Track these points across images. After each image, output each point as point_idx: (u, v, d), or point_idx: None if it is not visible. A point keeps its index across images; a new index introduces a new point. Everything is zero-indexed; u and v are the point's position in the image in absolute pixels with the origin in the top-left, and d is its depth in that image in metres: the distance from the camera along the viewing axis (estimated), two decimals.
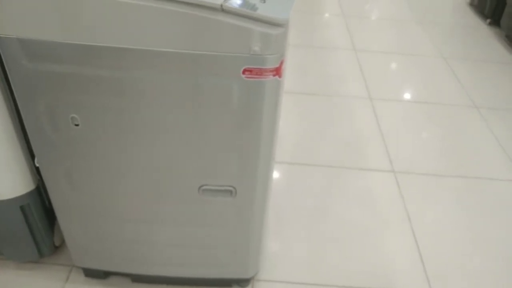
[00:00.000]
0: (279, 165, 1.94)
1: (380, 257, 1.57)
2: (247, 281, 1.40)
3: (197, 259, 1.30)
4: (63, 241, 1.40)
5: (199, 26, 0.85)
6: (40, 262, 1.42)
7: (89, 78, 0.93)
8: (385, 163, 2.00)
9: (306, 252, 1.56)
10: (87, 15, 0.85)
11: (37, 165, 1.14)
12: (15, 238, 1.30)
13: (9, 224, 1.26)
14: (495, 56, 3.02)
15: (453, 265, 1.56)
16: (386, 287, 1.47)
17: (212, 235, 1.23)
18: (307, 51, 2.91)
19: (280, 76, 0.94)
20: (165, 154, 1.05)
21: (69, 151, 1.05)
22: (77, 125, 1.00)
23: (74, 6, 0.84)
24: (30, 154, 1.17)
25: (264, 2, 0.90)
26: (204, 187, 1.10)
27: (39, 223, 1.29)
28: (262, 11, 0.86)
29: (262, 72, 0.91)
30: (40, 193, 1.26)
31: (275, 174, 1.89)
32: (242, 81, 0.92)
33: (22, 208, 1.23)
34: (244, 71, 0.90)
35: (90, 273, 1.38)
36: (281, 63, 0.92)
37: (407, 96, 2.55)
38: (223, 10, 0.84)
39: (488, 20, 3.42)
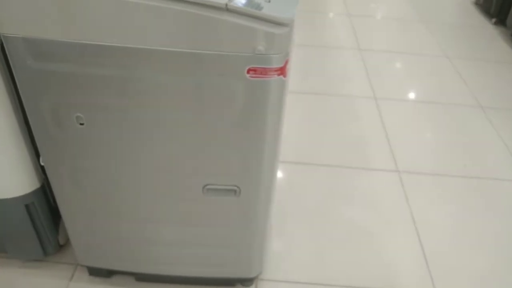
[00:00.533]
0: (283, 164, 1.94)
1: (384, 258, 1.56)
2: (250, 280, 1.40)
3: (200, 259, 1.30)
4: (67, 240, 1.40)
5: (204, 25, 0.85)
6: (44, 260, 1.43)
7: (94, 77, 0.93)
8: (389, 163, 1.99)
9: (310, 252, 1.56)
10: (92, 15, 0.85)
11: (42, 164, 1.14)
12: (20, 236, 1.31)
13: (14, 222, 1.27)
14: (500, 55, 3.00)
15: (457, 266, 1.56)
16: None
17: (216, 234, 1.23)
18: (311, 50, 2.90)
19: (284, 76, 0.94)
20: (169, 154, 1.05)
21: (74, 150, 1.06)
22: (82, 124, 1.00)
23: (79, 5, 0.84)
24: (35, 153, 1.17)
25: (269, 1, 0.89)
26: (208, 187, 1.10)
27: (43, 221, 1.30)
28: (267, 10, 0.86)
29: (266, 71, 0.91)
30: (45, 191, 1.27)
31: (279, 174, 1.89)
32: (247, 81, 0.92)
33: (27, 207, 1.24)
34: (248, 71, 0.90)
35: (95, 272, 1.39)
36: (286, 62, 0.92)
37: (411, 95, 2.54)
38: (228, 9, 0.84)
39: (494, 20, 3.40)
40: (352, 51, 2.93)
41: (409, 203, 1.79)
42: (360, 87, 2.54)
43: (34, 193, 1.23)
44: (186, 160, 1.06)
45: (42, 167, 1.17)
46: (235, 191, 1.11)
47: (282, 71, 0.92)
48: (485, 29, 3.37)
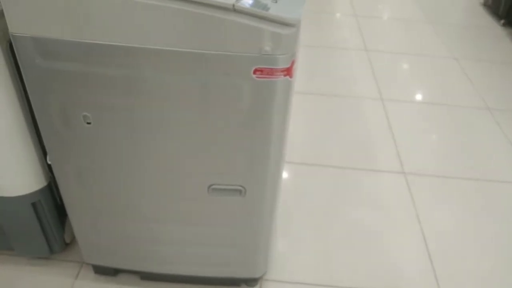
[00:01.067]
0: (289, 165, 1.94)
1: (389, 259, 1.56)
2: (255, 280, 1.40)
3: (205, 258, 1.30)
4: (73, 238, 1.41)
5: (211, 25, 0.85)
6: (50, 258, 1.44)
7: (102, 76, 0.93)
8: (395, 164, 1.99)
9: (315, 253, 1.56)
10: (99, 14, 0.85)
11: (49, 162, 1.15)
12: (27, 234, 1.32)
13: (20, 220, 1.28)
14: (508, 57, 2.98)
15: (462, 268, 1.55)
16: None
17: (221, 234, 1.23)
18: (318, 51, 2.90)
19: (291, 76, 0.94)
20: (175, 153, 1.05)
21: (80, 149, 1.06)
22: (89, 123, 1.01)
23: (86, 5, 0.85)
24: (42, 151, 1.18)
25: (276, 2, 0.89)
26: (214, 187, 1.10)
27: (50, 219, 1.31)
28: (274, 11, 0.86)
29: (273, 72, 0.91)
30: (52, 190, 1.28)
31: (285, 174, 1.89)
32: (253, 81, 0.92)
33: (33, 205, 1.25)
34: (255, 71, 0.90)
35: (100, 270, 1.39)
36: (292, 63, 0.92)
37: (418, 97, 2.53)
38: (235, 10, 0.84)
39: (502, 21, 3.38)
40: (359, 52, 2.92)
41: (414, 205, 1.78)
42: (366, 88, 2.53)
43: (40, 191, 1.24)
44: (192, 159, 1.06)
45: (49, 166, 1.18)
46: (240, 191, 1.11)
47: (288, 71, 0.92)
48: (494, 30, 3.35)
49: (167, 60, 0.90)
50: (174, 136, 1.02)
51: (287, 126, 1.06)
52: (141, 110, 0.98)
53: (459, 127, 2.28)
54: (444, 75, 2.74)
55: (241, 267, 1.33)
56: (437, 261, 1.56)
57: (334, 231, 1.65)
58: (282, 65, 0.90)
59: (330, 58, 2.83)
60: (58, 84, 0.95)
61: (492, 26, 3.40)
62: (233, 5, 0.84)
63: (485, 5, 3.68)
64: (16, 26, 0.88)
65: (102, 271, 1.39)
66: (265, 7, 0.86)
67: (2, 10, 0.88)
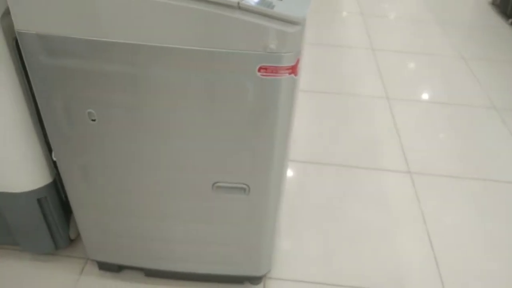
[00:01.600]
0: (293, 163, 1.93)
1: (393, 259, 1.55)
2: (259, 279, 1.40)
3: (209, 256, 1.30)
4: (78, 234, 1.42)
5: (216, 23, 0.85)
6: (55, 254, 1.45)
7: (106, 73, 0.94)
8: (401, 163, 1.98)
9: (319, 252, 1.55)
10: (104, 12, 0.86)
11: (54, 159, 1.16)
12: (32, 230, 1.32)
13: (26, 216, 1.28)
14: None
15: (468, 269, 1.54)
16: None
17: (225, 232, 1.23)
18: (324, 49, 2.89)
19: (296, 75, 0.94)
20: (179, 151, 1.05)
21: (85, 146, 1.07)
22: (93, 120, 1.01)
23: (92, 2, 0.85)
24: (48, 148, 1.18)
25: (281, 0, 0.89)
26: (218, 184, 1.10)
27: (55, 216, 1.32)
28: (279, 9, 0.86)
29: (277, 70, 0.90)
30: (57, 186, 1.28)
31: (289, 173, 1.89)
32: (258, 79, 0.91)
33: (39, 201, 1.26)
34: (259, 69, 0.90)
35: (104, 266, 1.40)
36: (297, 61, 0.92)
37: (425, 96, 2.52)
38: (239, 7, 0.84)
39: (510, 20, 3.35)
40: (365, 50, 2.91)
41: (420, 205, 1.77)
42: (372, 87, 2.52)
43: (46, 187, 1.24)
44: (196, 157, 1.06)
45: (54, 162, 1.19)
46: (244, 189, 1.11)
47: (293, 69, 0.92)
48: (502, 29, 3.32)
49: (172, 57, 0.90)
50: (178, 134, 1.02)
51: (291, 125, 1.06)
52: (145, 107, 0.98)
53: (465, 126, 2.26)
54: (451, 74, 2.72)
55: (245, 265, 1.33)
56: (442, 261, 1.55)
57: (338, 230, 1.64)
58: (287, 63, 0.90)
59: (336, 57, 2.82)
60: (63, 81, 0.95)
61: (500, 25, 3.37)
62: (238, 3, 0.84)
63: (493, 4, 3.65)
64: (21, 23, 0.88)
65: (107, 267, 1.40)
66: (270, 5, 0.86)
67: (8, 8, 0.88)
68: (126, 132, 1.03)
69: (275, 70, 0.90)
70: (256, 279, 1.40)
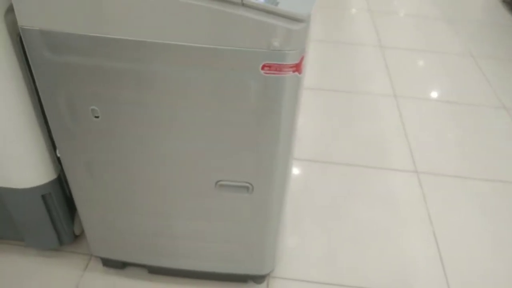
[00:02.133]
0: (299, 162, 1.92)
1: (399, 260, 1.54)
2: (262, 277, 1.39)
3: (213, 254, 1.30)
4: (83, 230, 1.42)
5: (219, 20, 0.84)
6: (60, 250, 1.45)
7: (110, 70, 0.93)
8: (408, 163, 1.96)
9: (323, 251, 1.54)
10: (108, 8, 0.85)
11: (58, 155, 1.16)
12: (36, 226, 1.33)
13: (30, 212, 1.29)
14: None
15: (474, 270, 1.52)
16: None
17: (228, 230, 1.22)
18: (331, 46, 2.87)
19: (300, 73, 0.92)
20: (182, 148, 1.05)
21: (89, 143, 1.06)
22: (97, 117, 1.01)
23: None
24: (52, 144, 1.18)
25: None
26: (221, 183, 1.09)
27: (60, 212, 1.32)
28: (283, 5, 0.84)
29: (281, 68, 0.89)
30: (61, 182, 1.29)
31: (294, 171, 1.88)
32: (261, 77, 0.90)
33: (43, 197, 1.26)
34: (263, 67, 0.89)
35: (108, 263, 1.40)
36: (302, 59, 0.91)
37: (433, 95, 2.49)
38: (243, 4, 0.83)
39: None
40: (373, 48, 2.88)
41: (427, 205, 1.75)
42: (380, 85, 2.50)
43: (50, 183, 1.25)
44: (199, 155, 1.05)
45: (59, 158, 1.19)
46: (247, 188, 1.10)
47: (297, 67, 0.91)
48: None
49: (175, 54, 0.89)
50: (181, 131, 1.01)
51: (295, 123, 1.04)
52: (148, 105, 0.98)
53: (474, 126, 2.23)
54: (461, 73, 2.68)
55: (248, 263, 1.32)
56: (449, 263, 1.54)
57: (343, 230, 1.63)
58: (291, 61, 0.89)
59: (344, 54, 2.80)
60: (66, 77, 0.95)
61: (510, 23, 3.32)
62: (242, 0, 0.82)
63: (504, 1, 3.59)
64: (24, 19, 0.88)
65: (111, 263, 1.40)
66: (275, 2, 0.85)
67: (12, 4, 0.88)
68: (129, 129, 1.02)
69: (279, 68, 0.89)
70: (259, 278, 1.39)
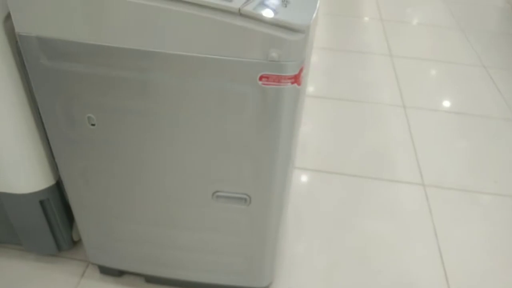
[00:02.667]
0: (303, 171, 1.89)
1: (402, 273, 1.50)
2: None
3: (210, 265, 1.28)
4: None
5: (215, 30, 0.82)
6: (58, 255, 1.44)
7: (107, 79, 0.92)
8: (415, 175, 1.92)
9: (325, 263, 1.51)
10: (106, 17, 0.84)
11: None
12: (35, 231, 1.32)
13: (29, 217, 1.28)
14: None
15: (479, 286, 1.48)
16: None
17: (226, 242, 1.20)
18: (341, 55, 2.84)
19: (299, 84, 0.90)
20: (179, 158, 1.03)
21: (85, 150, 1.05)
22: (93, 125, 0.99)
23: (94, 7, 0.83)
24: (51, 150, 1.18)
25: (285, 6, 0.86)
26: (218, 194, 1.07)
27: (58, 217, 1.31)
28: (282, 15, 0.83)
29: (280, 79, 0.87)
30: (60, 188, 1.28)
31: (299, 180, 1.85)
32: (259, 88, 0.89)
33: (41, 203, 1.25)
34: (261, 78, 0.87)
35: (105, 271, 1.39)
36: (301, 70, 0.89)
37: (443, 105, 2.44)
38: (240, 14, 0.81)
39: None
40: (383, 57, 2.85)
41: (433, 219, 1.71)
42: (389, 94, 2.46)
43: (49, 189, 1.24)
44: (196, 165, 1.03)
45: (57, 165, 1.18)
46: (245, 199, 1.08)
47: (296, 79, 0.89)
48: None
49: (172, 64, 0.88)
50: (178, 141, 1.00)
51: (295, 135, 1.02)
52: (145, 114, 0.96)
53: (484, 138, 2.18)
54: (471, 84, 2.63)
55: (246, 275, 1.30)
56: (453, 279, 1.49)
57: (346, 242, 1.60)
58: (290, 72, 0.87)
59: (353, 62, 2.77)
60: (63, 84, 0.94)
61: None
62: (239, 9, 0.81)
63: None
64: (21, 26, 0.87)
65: (108, 271, 1.39)
66: (273, 12, 0.83)
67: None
68: (125, 138, 1.01)
69: (277, 79, 0.87)
70: None
